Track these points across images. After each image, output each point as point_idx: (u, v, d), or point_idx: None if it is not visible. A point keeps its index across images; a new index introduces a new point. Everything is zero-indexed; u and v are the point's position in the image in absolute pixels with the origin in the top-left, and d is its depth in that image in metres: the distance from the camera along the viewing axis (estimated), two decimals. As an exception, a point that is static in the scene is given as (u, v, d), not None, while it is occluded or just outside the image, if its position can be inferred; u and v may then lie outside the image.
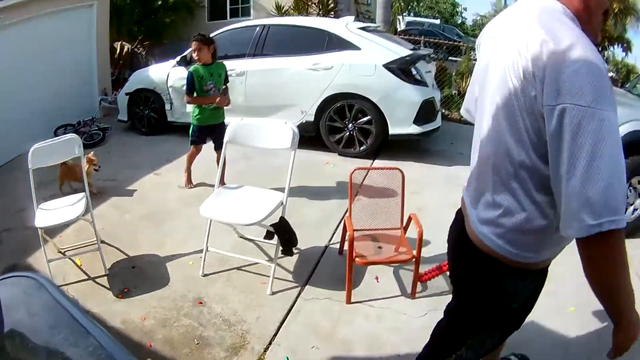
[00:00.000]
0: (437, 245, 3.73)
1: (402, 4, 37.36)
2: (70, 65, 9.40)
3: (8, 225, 4.97)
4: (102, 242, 4.25)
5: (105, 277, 3.91)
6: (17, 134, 7.83)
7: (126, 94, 7.95)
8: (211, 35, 6.40)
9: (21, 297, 1.52)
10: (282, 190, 3.75)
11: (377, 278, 3.68)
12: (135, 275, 3.97)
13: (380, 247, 3.55)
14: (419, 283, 3.51)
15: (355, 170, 3.72)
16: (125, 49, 11.46)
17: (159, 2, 11.91)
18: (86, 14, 9.70)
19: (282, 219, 3.61)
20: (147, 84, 7.65)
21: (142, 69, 8.59)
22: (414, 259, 3.34)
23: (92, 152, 5.28)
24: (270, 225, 3.58)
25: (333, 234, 4.35)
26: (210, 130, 5.32)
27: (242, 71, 6.66)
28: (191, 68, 5.17)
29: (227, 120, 5.48)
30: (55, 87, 8.75)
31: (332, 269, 3.84)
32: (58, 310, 1.37)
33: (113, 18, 10.86)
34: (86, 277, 3.91)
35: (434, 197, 5.08)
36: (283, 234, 3.59)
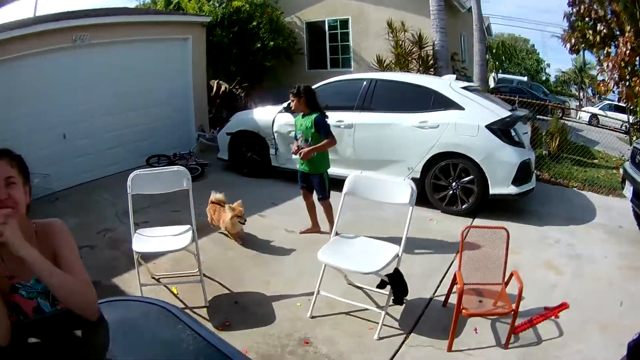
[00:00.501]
0: (530, 300, 4.00)
1: (497, 62, 37.49)
2: (166, 95, 9.83)
3: (91, 243, 5.25)
4: (204, 275, 4.39)
5: (205, 309, 4.10)
6: (105, 155, 8.51)
7: (227, 133, 8.24)
8: (317, 85, 6.80)
9: (149, 323, 1.68)
10: (391, 241, 3.96)
11: (475, 329, 3.80)
12: (238, 310, 4.12)
13: (481, 301, 3.73)
14: (512, 335, 3.68)
15: (466, 228, 3.87)
16: (223, 88, 11.73)
17: (258, 45, 12.08)
18: (181, 47, 10.14)
19: (397, 270, 3.77)
20: (250, 126, 7.92)
21: (245, 111, 8.90)
22: (511, 312, 3.52)
23: (238, 202, 5.34)
24: (386, 275, 3.74)
25: (437, 287, 4.46)
26: (304, 177, 5.73)
27: (351, 123, 6.86)
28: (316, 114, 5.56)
29: (338, 171, 5.94)
30: (149, 115, 9.22)
31: (436, 318, 3.97)
32: (196, 340, 1.47)
33: (210, 55, 11.17)
34: (183, 306, 4.06)
35: (527, 255, 5.19)
36: (397, 284, 3.76)
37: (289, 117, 7.18)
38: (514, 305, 3.54)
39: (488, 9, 32.17)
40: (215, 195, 5.58)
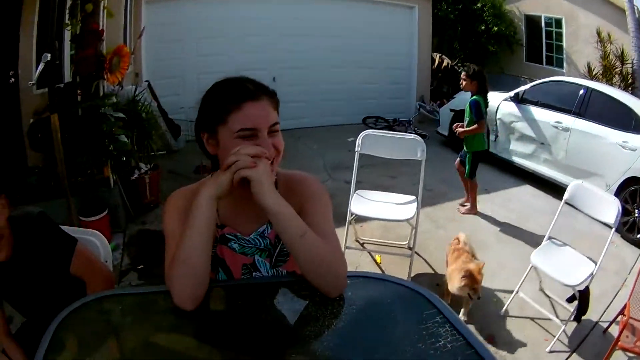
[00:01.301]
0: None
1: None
2: (389, 60, 10.17)
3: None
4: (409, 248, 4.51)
5: (404, 284, 4.49)
6: (318, 106, 9.13)
7: (451, 110, 8.41)
8: (539, 81, 6.99)
9: (395, 303, 1.46)
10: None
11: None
12: (438, 293, 4.06)
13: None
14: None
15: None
16: (445, 63, 11.84)
17: (482, 27, 12.09)
18: (407, 15, 10.43)
19: (587, 288, 3.73)
20: None
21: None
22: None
23: (480, 266, 4.00)
24: (578, 291, 3.72)
25: (603, 312, 4.26)
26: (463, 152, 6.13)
27: (567, 127, 6.74)
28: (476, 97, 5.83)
29: (548, 172, 6.27)
30: (371, 76, 9.64)
31: (592, 343, 3.85)
32: (445, 328, 1.27)
33: (435, 29, 11.33)
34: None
35: None
36: (583, 302, 3.74)
37: (513, 107, 7.27)
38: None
39: None
40: (462, 236, 4.53)
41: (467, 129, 5.77)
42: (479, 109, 5.69)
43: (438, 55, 12.03)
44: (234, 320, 1.42)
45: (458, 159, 6.20)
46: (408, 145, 4.49)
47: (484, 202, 6.28)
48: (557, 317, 3.92)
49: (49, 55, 3.76)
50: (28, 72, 6.46)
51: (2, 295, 2.30)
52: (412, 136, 4.61)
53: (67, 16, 4.92)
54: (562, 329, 3.72)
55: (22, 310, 2.44)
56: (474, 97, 5.74)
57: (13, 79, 6.40)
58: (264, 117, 1.53)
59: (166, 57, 8.61)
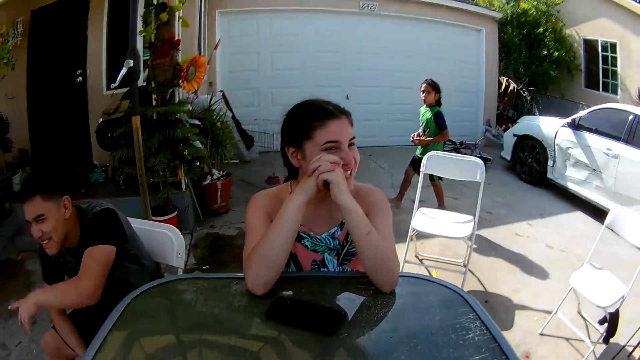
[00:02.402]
0: None
1: None
2: (456, 82, 10.39)
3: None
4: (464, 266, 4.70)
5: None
6: (388, 125, 9.52)
7: (514, 134, 8.74)
8: (593, 108, 7.29)
9: (437, 304, 1.73)
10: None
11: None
12: (487, 309, 3.66)
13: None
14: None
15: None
16: (511, 87, 12.17)
17: (544, 52, 12.33)
18: (475, 38, 10.79)
19: (617, 311, 3.85)
20: (535, 133, 8.29)
21: (532, 116, 9.40)
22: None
23: None
24: (608, 313, 3.83)
25: (632, 336, 4.28)
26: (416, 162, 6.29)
27: (616, 154, 6.82)
28: (420, 108, 6.50)
29: (596, 198, 6.55)
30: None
31: None
32: (482, 333, 1.52)
33: (501, 53, 11.63)
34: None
35: None
36: (613, 324, 3.85)
37: (570, 134, 7.43)
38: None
39: None
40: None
41: (433, 138, 6.30)
42: (444, 120, 6.26)
43: (505, 78, 12.30)
44: (297, 306, 1.66)
45: (410, 167, 6.68)
46: (469, 167, 4.80)
47: (538, 227, 6.50)
48: (589, 338, 4.11)
49: (132, 61, 4.02)
50: (97, 73, 6.76)
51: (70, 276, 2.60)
52: (473, 158, 4.88)
53: (140, 23, 5.21)
54: (591, 350, 3.90)
55: None
56: (436, 108, 6.30)
57: (80, 78, 6.83)
58: (345, 132, 1.87)
59: (240, 68, 9.08)
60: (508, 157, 9.02)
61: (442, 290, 1.80)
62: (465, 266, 4.74)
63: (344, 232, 2.01)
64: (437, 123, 6.27)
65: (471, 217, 4.74)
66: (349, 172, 1.88)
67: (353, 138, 1.91)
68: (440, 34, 10.39)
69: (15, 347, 4.13)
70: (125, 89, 6.36)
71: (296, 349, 1.51)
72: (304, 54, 9.47)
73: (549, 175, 8.07)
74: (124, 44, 6.79)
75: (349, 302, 1.68)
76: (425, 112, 6.47)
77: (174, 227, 2.81)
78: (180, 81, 5.25)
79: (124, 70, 4.06)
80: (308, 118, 1.88)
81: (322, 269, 2.02)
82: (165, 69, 5.27)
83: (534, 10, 12.44)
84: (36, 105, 6.83)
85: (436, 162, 4.94)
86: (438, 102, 6.35)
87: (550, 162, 8.01)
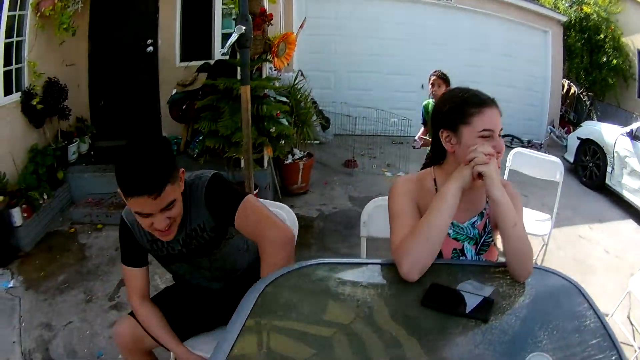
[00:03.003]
0: None
1: None
2: (526, 81, 10.53)
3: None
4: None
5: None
6: None
7: (578, 137, 8.73)
8: None
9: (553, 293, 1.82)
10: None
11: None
12: None
13: None
14: None
15: None
16: (572, 91, 12.12)
17: (604, 59, 12.20)
18: (542, 38, 10.77)
19: None
20: (597, 138, 8.27)
21: (594, 122, 9.37)
22: None
23: None
24: None
25: None
26: None
27: None
28: (425, 102, 5.74)
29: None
30: (509, 95, 9.64)
31: None
32: (595, 322, 1.62)
33: (564, 56, 11.59)
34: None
35: None
36: None
37: (627, 142, 7.45)
38: None
39: None
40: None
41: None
42: None
43: (567, 81, 12.25)
44: (449, 293, 1.73)
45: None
46: (549, 167, 4.80)
47: (597, 231, 6.52)
48: (635, 342, 4.14)
49: (244, 27, 3.89)
50: (169, 44, 6.76)
51: (163, 261, 2.36)
52: (554, 158, 4.87)
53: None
54: (635, 355, 3.94)
55: (175, 273, 2.53)
56: None
57: (151, 48, 6.75)
58: (498, 121, 1.94)
59: (317, 50, 9.14)
60: (571, 159, 9.00)
61: (561, 281, 1.90)
62: (536, 264, 4.74)
63: (483, 222, 2.10)
64: None
65: (548, 216, 4.77)
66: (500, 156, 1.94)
67: (501, 129, 1.98)
68: (512, 32, 10.43)
69: (63, 328, 3.94)
70: (200, 62, 6.47)
71: (454, 336, 1.55)
72: (380, 40, 9.52)
73: (607, 181, 8.06)
74: (199, 16, 6.82)
75: (473, 289, 1.76)
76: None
77: (286, 206, 2.73)
78: (270, 56, 5.20)
79: (234, 36, 3.93)
80: (466, 104, 1.96)
81: (461, 258, 2.09)
82: (256, 43, 5.16)
83: (595, 15, 12.33)
84: (98, 73, 6.83)
85: (521, 159, 4.91)
86: None
87: (609, 169, 8.00)
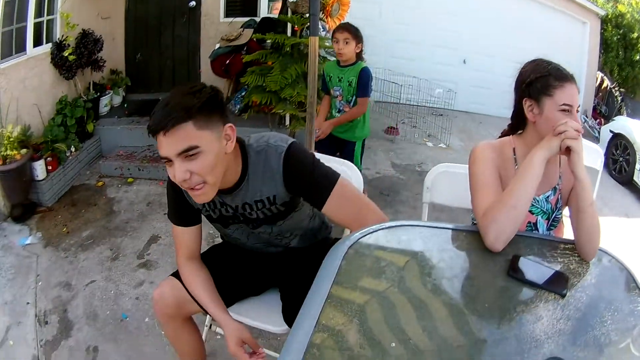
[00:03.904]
0: None
1: None
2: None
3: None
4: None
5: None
6: (499, 96, 8.93)
7: (610, 130, 8.54)
8: None
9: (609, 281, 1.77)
10: None
11: None
12: None
13: None
14: None
15: None
16: (605, 85, 11.85)
17: (637, 57, 12.07)
18: (580, 29, 10.63)
19: None
20: (628, 133, 8.09)
21: (625, 117, 9.24)
22: None
23: None
24: None
25: None
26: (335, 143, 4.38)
27: None
28: (326, 64, 4.43)
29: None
30: None
31: None
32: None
33: (600, 49, 11.39)
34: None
35: None
36: None
37: None
38: None
39: None
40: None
41: (349, 114, 4.21)
42: (371, 81, 4.20)
43: (600, 74, 11.98)
44: (529, 266, 1.65)
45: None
46: (591, 153, 4.33)
47: (624, 225, 6.29)
48: None
49: None
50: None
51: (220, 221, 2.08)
52: (596, 146, 4.50)
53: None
54: None
55: (228, 236, 2.24)
56: (361, 64, 4.15)
57: (194, 3, 6.46)
58: (577, 98, 1.94)
59: (361, 16, 8.60)
60: (602, 152, 8.59)
61: (615, 263, 1.83)
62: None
63: (556, 197, 2.08)
64: (363, 86, 4.12)
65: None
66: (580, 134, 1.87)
67: (579, 106, 1.97)
68: (551, 19, 10.20)
69: (84, 287, 3.58)
70: (245, 18, 6.39)
71: (538, 310, 1.49)
72: (424, 11, 9.34)
73: (635, 177, 7.85)
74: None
75: (534, 266, 1.67)
76: (343, 74, 4.18)
77: (351, 164, 2.49)
78: (324, 16, 4.88)
79: None
80: (550, 77, 1.94)
81: (534, 232, 2.08)
82: (304, 3, 4.89)
83: (629, 15, 12.18)
84: (136, 26, 6.61)
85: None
86: (360, 57, 4.23)
87: (637, 165, 7.78)
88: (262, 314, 2.07)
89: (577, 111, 1.95)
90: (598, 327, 1.41)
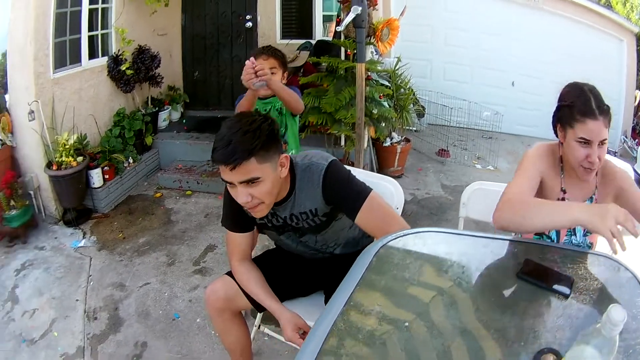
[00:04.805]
0: None
1: None
2: (599, 88, 10.06)
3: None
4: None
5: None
6: (546, 117, 9.62)
7: None
8: None
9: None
10: None
11: None
12: None
13: None
14: None
15: None
16: None
17: None
18: (617, 46, 10.43)
19: None
20: None
21: None
22: None
23: None
24: None
25: None
26: None
27: None
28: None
29: None
30: None
31: None
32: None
33: (638, 66, 10.95)
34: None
35: None
36: None
37: None
38: None
39: None
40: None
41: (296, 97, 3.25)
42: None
43: (639, 93, 11.59)
44: (539, 268, 1.75)
45: None
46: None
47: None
48: None
49: (360, 8, 3.88)
50: (269, 20, 6.91)
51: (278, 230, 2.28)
52: (626, 164, 4.69)
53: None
54: None
55: (279, 242, 2.44)
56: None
57: (250, 24, 6.66)
58: (599, 133, 2.00)
59: (414, 39, 8.98)
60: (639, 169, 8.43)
61: (625, 272, 1.85)
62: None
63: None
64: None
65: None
66: (592, 168, 2.06)
67: (605, 139, 2.04)
68: (589, 38, 10.22)
69: (138, 289, 3.72)
70: (301, 40, 6.53)
71: (541, 307, 1.60)
72: (474, 34, 9.41)
73: None
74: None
75: (543, 269, 1.77)
76: (266, 105, 3.34)
77: (395, 181, 2.59)
78: (375, 40, 4.98)
79: (351, 16, 3.96)
80: (574, 110, 2.06)
81: (572, 237, 2.25)
82: None
83: None
84: (193, 44, 6.87)
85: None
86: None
87: None
88: (307, 312, 2.20)
89: (605, 143, 2.04)
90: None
